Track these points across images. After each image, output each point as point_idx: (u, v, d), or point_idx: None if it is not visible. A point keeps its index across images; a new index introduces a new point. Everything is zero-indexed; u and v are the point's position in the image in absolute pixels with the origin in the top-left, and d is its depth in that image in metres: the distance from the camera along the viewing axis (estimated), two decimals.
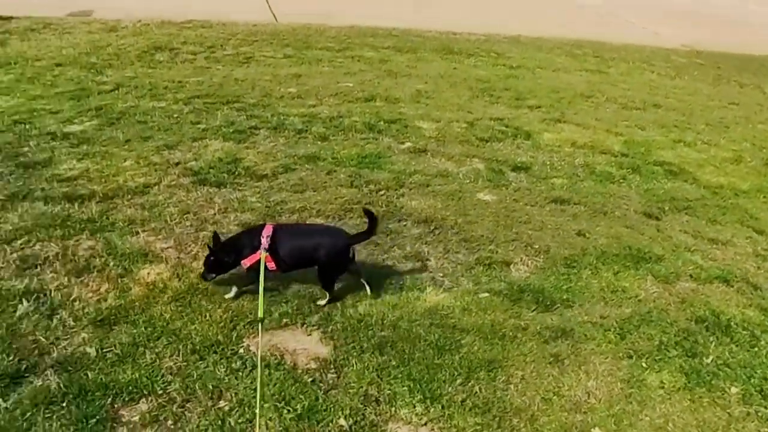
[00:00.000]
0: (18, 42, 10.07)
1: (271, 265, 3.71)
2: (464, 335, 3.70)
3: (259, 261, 3.63)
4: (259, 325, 3.35)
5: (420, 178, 5.82)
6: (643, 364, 3.64)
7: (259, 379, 3.01)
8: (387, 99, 8.22)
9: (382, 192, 5.47)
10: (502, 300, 4.09)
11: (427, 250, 4.62)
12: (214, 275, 3.91)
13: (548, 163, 6.57)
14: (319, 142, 6.44)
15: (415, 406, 3.17)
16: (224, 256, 3.85)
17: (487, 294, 4.15)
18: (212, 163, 5.69)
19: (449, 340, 3.65)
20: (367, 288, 4.01)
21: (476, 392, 3.30)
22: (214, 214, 4.84)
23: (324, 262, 3.84)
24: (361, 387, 3.26)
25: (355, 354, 3.48)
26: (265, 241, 3.66)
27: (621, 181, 6.37)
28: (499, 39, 13.73)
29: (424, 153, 6.48)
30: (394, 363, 3.43)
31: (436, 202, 5.36)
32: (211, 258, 3.85)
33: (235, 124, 6.74)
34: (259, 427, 2.88)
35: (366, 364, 3.40)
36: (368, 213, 3.94)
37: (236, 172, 5.55)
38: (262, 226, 3.83)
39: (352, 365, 3.40)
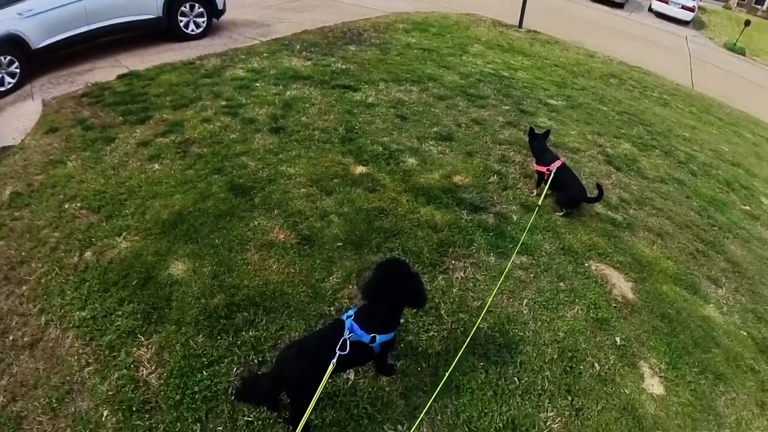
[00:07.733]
0: (539, 47, 14.35)
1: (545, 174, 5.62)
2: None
3: (542, 172, 5.63)
4: (536, 208, 5.70)
5: None
6: None
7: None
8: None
9: None
10: None
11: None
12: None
13: None
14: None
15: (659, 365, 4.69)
16: (536, 146, 5.81)
17: None
18: (622, 153, 8.77)
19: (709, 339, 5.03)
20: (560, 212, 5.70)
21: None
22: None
23: (569, 197, 5.60)
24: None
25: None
26: (553, 167, 5.54)
27: None
28: None
29: None
30: (665, 331, 4.93)
31: None
32: (532, 131, 5.91)
33: (642, 139, 9.21)
34: None
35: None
36: (599, 187, 5.68)
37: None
38: (557, 158, 5.68)
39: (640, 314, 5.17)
